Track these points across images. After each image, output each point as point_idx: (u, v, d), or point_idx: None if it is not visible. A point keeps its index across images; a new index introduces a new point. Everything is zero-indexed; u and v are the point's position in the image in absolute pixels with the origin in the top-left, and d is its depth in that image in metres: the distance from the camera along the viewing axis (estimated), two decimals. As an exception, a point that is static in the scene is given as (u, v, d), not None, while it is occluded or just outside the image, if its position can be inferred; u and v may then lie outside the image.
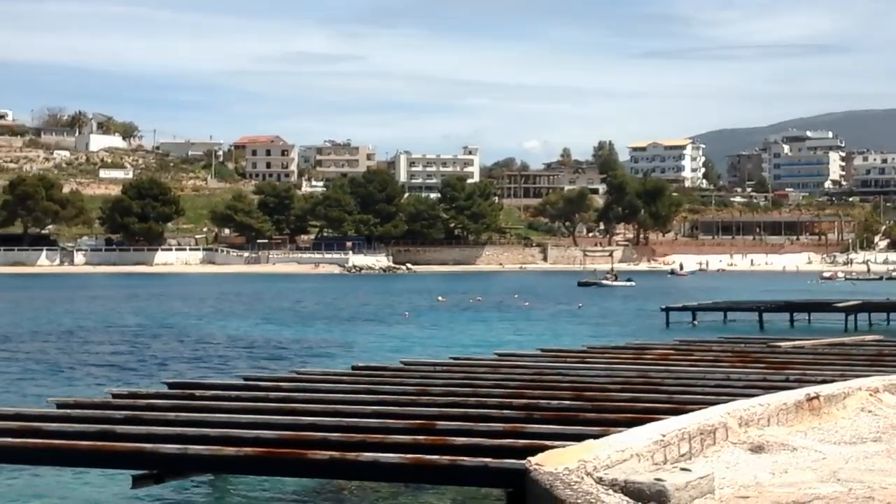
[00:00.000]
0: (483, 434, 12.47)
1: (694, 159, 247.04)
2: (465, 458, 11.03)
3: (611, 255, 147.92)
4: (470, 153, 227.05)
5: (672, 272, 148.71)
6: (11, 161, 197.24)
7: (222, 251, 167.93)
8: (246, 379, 18.73)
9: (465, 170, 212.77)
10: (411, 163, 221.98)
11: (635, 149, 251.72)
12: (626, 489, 8.77)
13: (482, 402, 15.12)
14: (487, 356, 22.24)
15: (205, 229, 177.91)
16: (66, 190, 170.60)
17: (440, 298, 77.31)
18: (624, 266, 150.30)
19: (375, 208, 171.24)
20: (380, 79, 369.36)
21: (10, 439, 13.00)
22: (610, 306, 69.84)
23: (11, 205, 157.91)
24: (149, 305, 69.97)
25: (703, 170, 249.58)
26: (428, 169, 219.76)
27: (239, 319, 56.79)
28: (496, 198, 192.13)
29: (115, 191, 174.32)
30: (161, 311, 64.17)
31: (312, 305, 70.85)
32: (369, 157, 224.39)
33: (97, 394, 19.58)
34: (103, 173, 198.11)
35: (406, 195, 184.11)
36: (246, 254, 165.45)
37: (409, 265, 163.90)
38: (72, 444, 12.64)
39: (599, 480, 8.95)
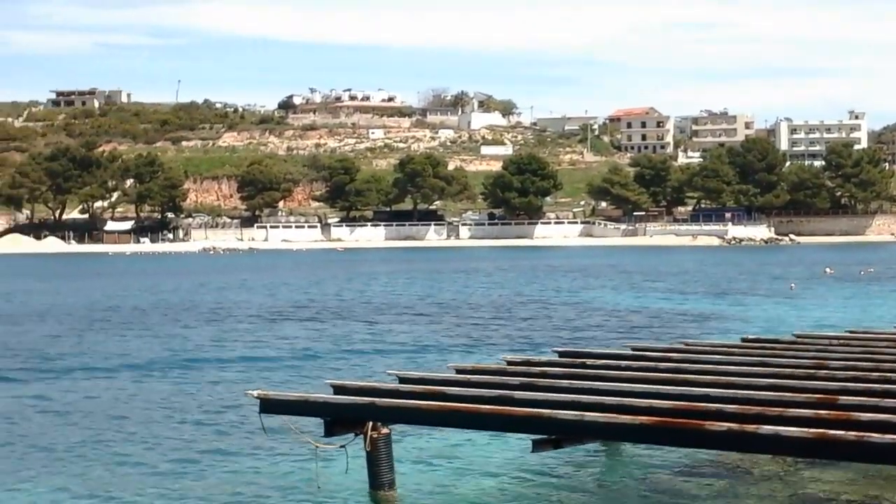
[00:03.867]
0: (891, 410, 11.86)
1: None
2: (873, 434, 10.55)
3: None
4: (856, 117, 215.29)
5: None
6: (401, 141, 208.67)
7: (600, 224, 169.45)
8: (634, 349, 18.83)
9: (852, 135, 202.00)
10: (792, 130, 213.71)
11: None
12: None
13: (886, 378, 14.38)
14: (888, 330, 21.06)
15: (582, 202, 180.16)
16: (450, 167, 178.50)
17: (828, 270, 74.02)
18: None
19: (755, 178, 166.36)
20: (758, 44, 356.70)
21: (417, 402, 13.80)
22: None
23: (402, 182, 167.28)
24: (533, 278, 71.88)
25: None
26: (811, 136, 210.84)
27: (620, 291, 57.14)
28: (886, 164, 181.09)
29: (496, 167, 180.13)
30: (545, 282, 65.76)
31: (693, 277, 70.00)
32: (748, 125, 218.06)
33: (492, 360, 20.37)
34: (484, 150, 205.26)
35: (788, 164, 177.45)
36: (623, 226, 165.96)
37: (791, 236, 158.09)
38: (474, 407, 13.23)
39: None
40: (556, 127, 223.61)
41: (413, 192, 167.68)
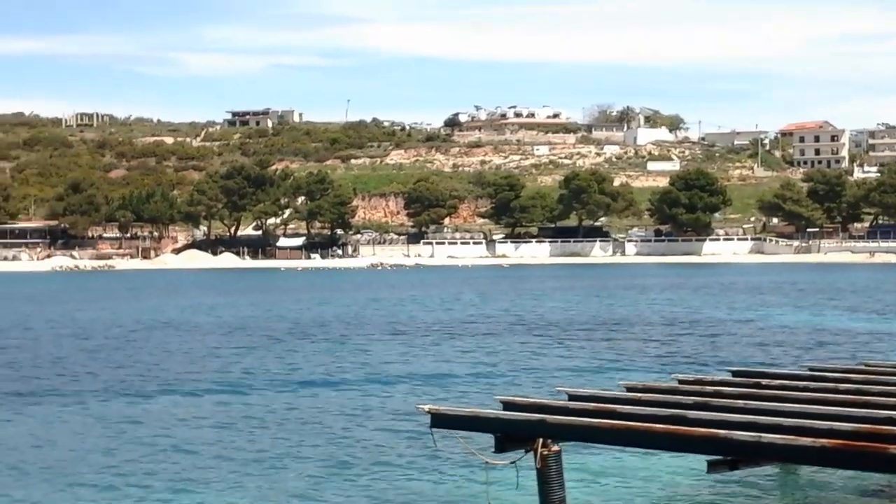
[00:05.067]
0: None
1: None
2: None
3: None
4: None
5: None
6: (566, 157, 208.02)
7: (770, 240, 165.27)
8: (812, 369, 18.30)
9: None
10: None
11: None
12: None
13: None
14: None
15: (752, 219, 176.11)
16: (616, 183, 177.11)
17: None
18: None
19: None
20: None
21: (589, 419, 13.72)
22: None
23: (567, 198, 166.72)
24: (704, 295, 70.57)
25: None
26: None
27: (795, 309, 55.58)
28: None
29: (663, 182, 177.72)
30: (716, 299, 64.48)
31: (872, 295, 67.53)
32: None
33: (662, 379, 20.08)
34: (651, 166, 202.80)
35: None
36: (795, 243, 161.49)
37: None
38: (646, 426, 13.06)
39: None
40: (724, 142, 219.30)
41: (578, 208, 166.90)
